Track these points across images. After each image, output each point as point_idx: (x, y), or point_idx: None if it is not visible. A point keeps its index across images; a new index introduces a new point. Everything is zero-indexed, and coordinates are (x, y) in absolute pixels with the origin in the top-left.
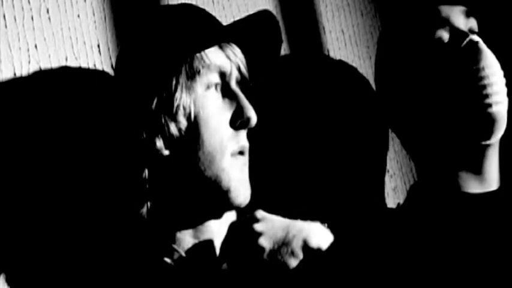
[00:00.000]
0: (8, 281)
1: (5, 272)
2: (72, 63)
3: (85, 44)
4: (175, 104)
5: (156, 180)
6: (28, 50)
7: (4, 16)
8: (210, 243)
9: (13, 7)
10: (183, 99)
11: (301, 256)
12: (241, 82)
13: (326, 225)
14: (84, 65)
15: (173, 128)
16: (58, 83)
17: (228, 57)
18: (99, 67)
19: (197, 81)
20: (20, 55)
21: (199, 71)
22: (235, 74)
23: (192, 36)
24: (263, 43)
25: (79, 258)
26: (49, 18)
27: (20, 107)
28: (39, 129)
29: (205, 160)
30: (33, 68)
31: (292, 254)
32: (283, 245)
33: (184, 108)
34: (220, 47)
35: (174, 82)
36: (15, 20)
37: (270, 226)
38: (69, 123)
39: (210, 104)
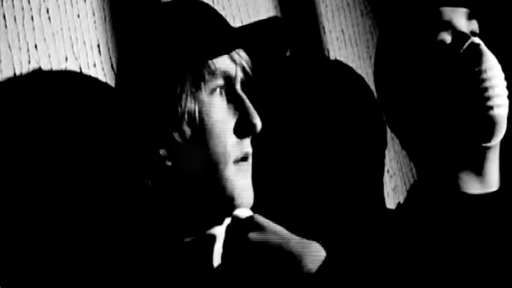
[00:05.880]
0: (8, 280)
1: (5, 272)
2: (72, 63)
3: (85, 44)
4: (180, 112)
5: (158, 188)
6: (28, 50)
7: (4, 16)
8: (211, 245)
9: (13, 7)
10: (187, 106)
11: (288, 280)
12: (246, 84)
13: (321, 242)
14: (84, 65)
15: (177, 137)
16: (58, 83)
17: (233, 60)
18: (99, 67)
19: (202, 87)
20: (20, 55)
21: (204, 77)
22: (240, 77)
23: (200, 43)
24: (269, 46)
25: (80, 260)
26: (49, 18)
27: (20, 108)
28: (39, 130)
29: (208, 169)
30: (33, 68)
31: (280, 275)
32: (273, 264)
33: (188, 116)
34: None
35: (178, 89)
36: (15, 20)
37: (264, 239)
38: (69, 125)
39: (214, 111)
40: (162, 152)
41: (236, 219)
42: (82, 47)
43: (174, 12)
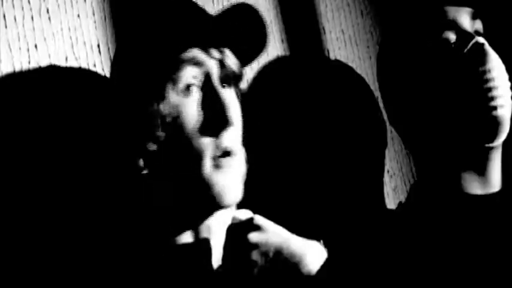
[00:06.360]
0: (8, 280)
1: (5, 272)
2: (72, 63)
3: (85, 44)
4: (153, 118)
5: (143, 190)
6: (28, 50)
7: (4, 16)
8: (206, 242)
9: (13, 7)
10: (159, 111)
11: (288, 280)
12: (226, 79)
13: (322, 241)
14: (84, 65)
15: (151, 144)
16: (58, 83)
17: (208, 55)
18: (99, 67)
19: (173, 86)
20: (20, 55)
21: (175, 75)
22: (218, 72)
23: (170, 41)
24: (247, 40)
25: (75, 259)
26: (49, 18)
27: (20, 108)
28: (39, 129)
29: (185, 169)
30: (33, 68)
31: (281, 276)
32: (274, 265)
33: (161, 121)
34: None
35: (149, 96)
36: (15, 20)
37: (265, 240)
38: (68, 124)
39: (186, 110)
40: (139, 162)
41: (236, 221)
42: (82, 47)
43: (157, 9)
